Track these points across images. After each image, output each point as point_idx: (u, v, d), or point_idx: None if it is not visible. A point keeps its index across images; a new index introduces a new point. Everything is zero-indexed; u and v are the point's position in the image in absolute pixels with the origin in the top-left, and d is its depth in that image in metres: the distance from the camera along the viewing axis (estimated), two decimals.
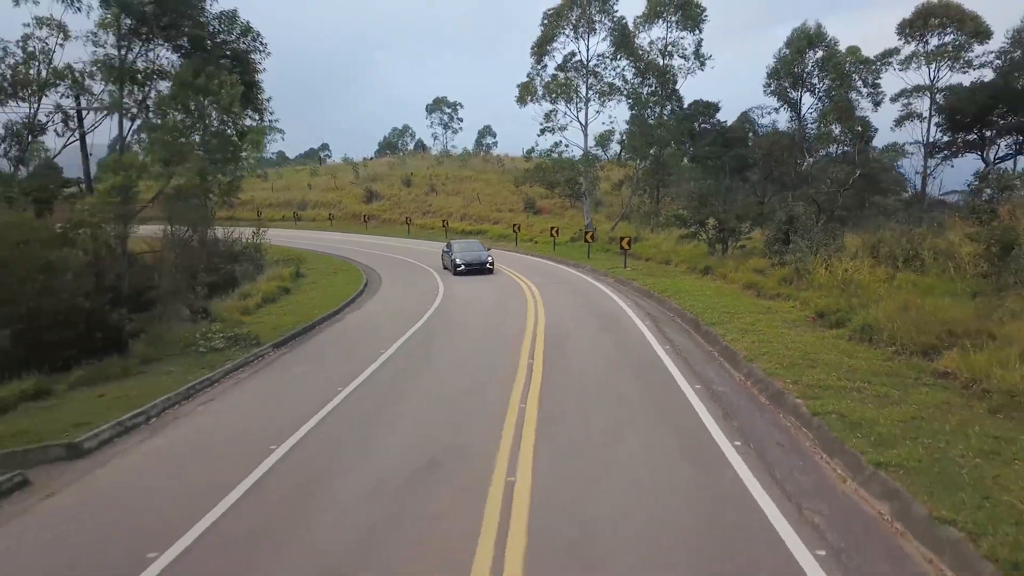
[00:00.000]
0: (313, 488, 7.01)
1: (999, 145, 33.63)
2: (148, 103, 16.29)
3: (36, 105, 30.32)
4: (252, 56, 19.36)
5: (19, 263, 11.66)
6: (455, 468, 7.38)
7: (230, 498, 6.79)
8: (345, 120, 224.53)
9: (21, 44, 29.19)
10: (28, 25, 28.54)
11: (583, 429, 8.60)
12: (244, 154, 16.13)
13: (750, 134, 57.42)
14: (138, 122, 16.84)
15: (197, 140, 15.50)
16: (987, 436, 7.76)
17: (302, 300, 20.60)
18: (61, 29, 29.43)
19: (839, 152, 44.72)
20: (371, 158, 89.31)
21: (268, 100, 19.79)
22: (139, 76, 15.54)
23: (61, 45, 29.82)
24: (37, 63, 29.97)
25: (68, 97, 30.92)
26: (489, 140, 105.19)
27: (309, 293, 21.91)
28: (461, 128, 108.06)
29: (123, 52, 15.58)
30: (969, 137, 33.40)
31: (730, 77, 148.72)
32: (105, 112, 16.68)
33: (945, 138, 34.23)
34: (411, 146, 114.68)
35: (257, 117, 19.06)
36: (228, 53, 17.82)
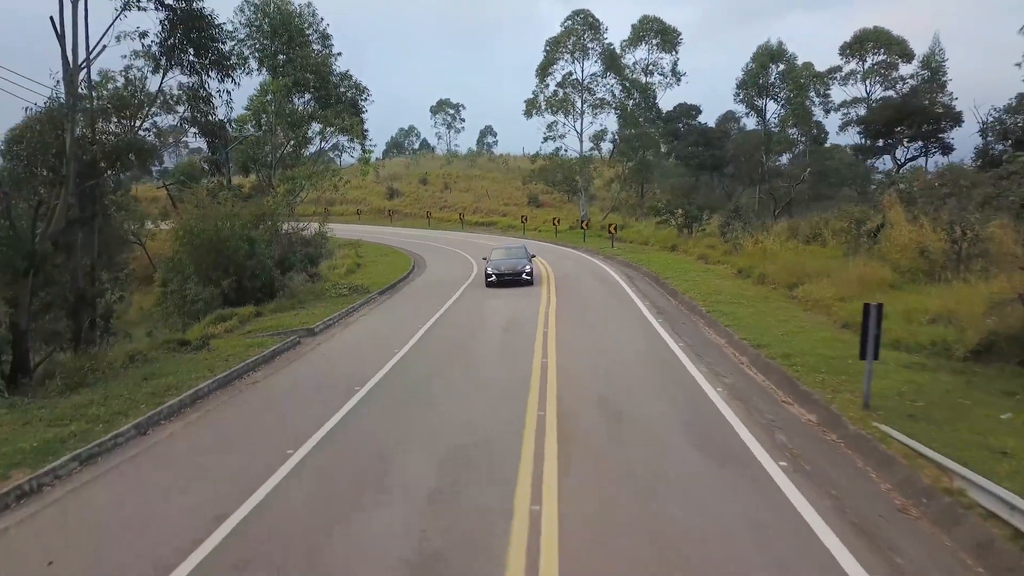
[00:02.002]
0: (455, 339, 14.44)
1: (908, 149, 41.09)
2: (300, 134, 23.74)
3: (134, 122, 37.55)
4: (360, 102, 26.82)
5: (233, 240, 19.00)
6: (518, 328, 14.85)
7: (414, 337, 14.24)
8: None
9: (123, 73, 36.44)
10: (125, 56, 35.76)
11: (581, 319, 16.09)
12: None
13: (734, 132, 64.51)
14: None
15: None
16: (789, 315, 15.26)
17: (373, 271, 27.99)
18: (155, 60, 36.66)
19: (798, 152, 52.06)
20: (380, 158, 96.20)
21: (367, 131, 27.10)
22: (298, 119, 22.89)
23: (154, 73, 37.10)
24: (134, 87, 37.20)
25: (159, 116, 38.22)
26: (490, 139, 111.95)
27: (375, 267, 29.30)
28: (463, 128, 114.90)
29: (276, 104, 22.95)
30: (887, 143, 40.77)
31: (729, 68, 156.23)
32: (242, 137, 23.64)
33: (867, 143, 41.64)
34: (416, 145, 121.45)
35: (360, 142, 26.48)
36: (344, 100, 25.23)
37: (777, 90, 51.11)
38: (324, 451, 8.04)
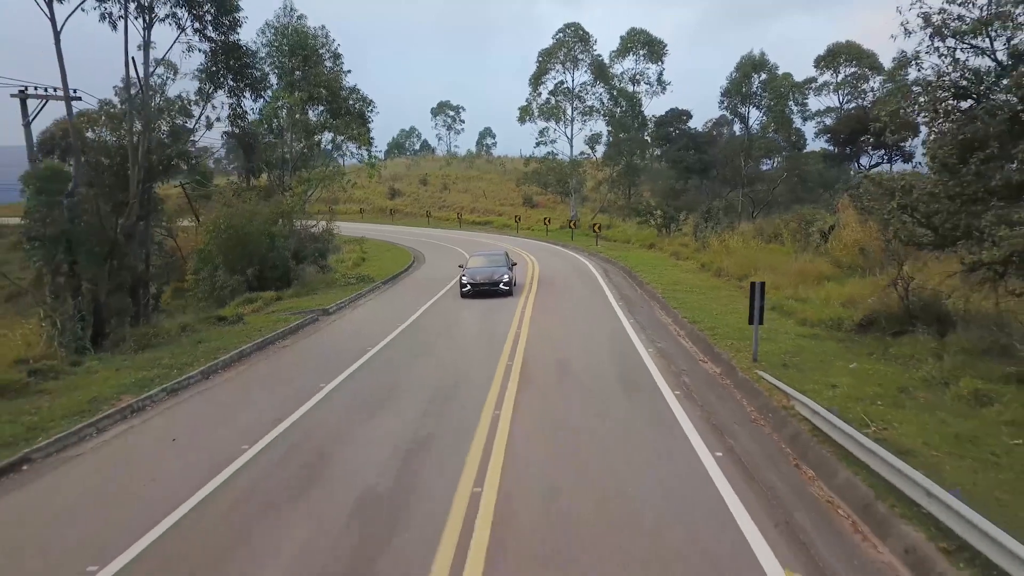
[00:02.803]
0: (447, 315, 17.28)
1: (872, 156, 44.00)
2: (314, 142, 26.67)
3: (153, 125, 40.38)
4: (367, 113, 29.81)
5: (256, 234, 21.83)
6: (500, 309, 17.70)
7: (414, 316, 17.08)
8: None
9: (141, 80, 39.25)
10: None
11: (556, 302, 18.94)
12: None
13: (726, 135, 67.18)
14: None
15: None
16: (730, 301, 18.09)
17: (377, 264, 30.80)
18: (173, 68, 39.54)
19: (780, 156, 54.77)
20: (382, 159, 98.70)
21: (373, 139, 30.02)
22: (312, 128, 25.73)
23: (172, 79, 39.95)
24: (155, 93, 40.05)
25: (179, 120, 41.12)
26: (489, 141, 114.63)
27: (379, 261, 32.12)
28: (463, 129, 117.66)
29: (294, 114, 25.87)
30: (852, 150, 43.66)
31: (728, 69, 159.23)
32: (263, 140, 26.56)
33: (836, 150, 44.57)
34: (417, 146, 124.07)
35: (367, 149, 29.51)
36: (352, 112, 28.20)
37: (759, 98, 53.86)
38: (348, 385, 10.90)
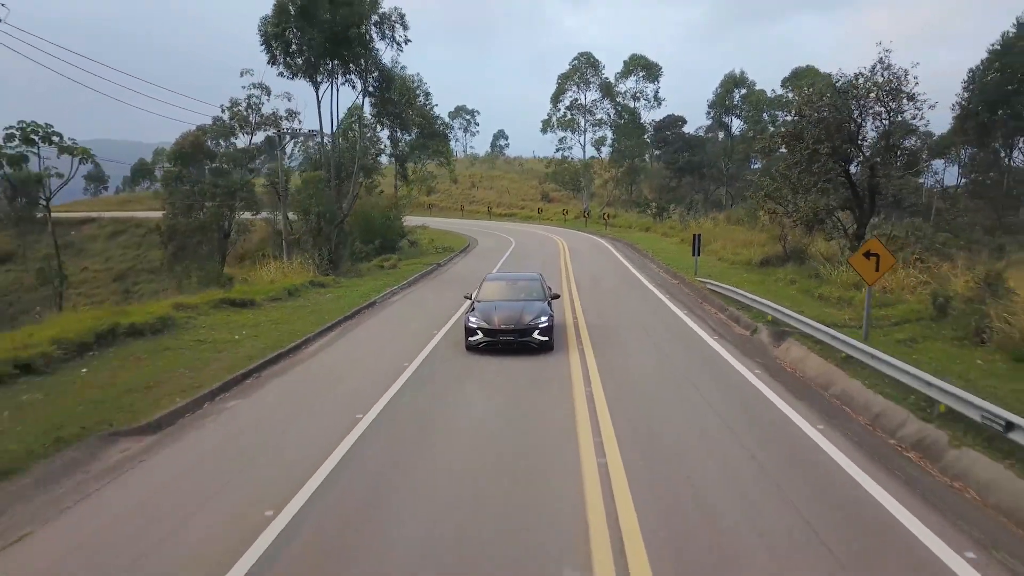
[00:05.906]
0: (519, 263, 28.09)
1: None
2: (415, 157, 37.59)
3: (251, 136, 51.17)
4: (448, 135, 40.49)
5: (379, 218, 32.55)
6: (549, 263, 28.50)
7: (498, 265, 27.88)
8: None
9: (245, 100, 49.98)
10: (245, 87, 49.30)
11: (586, 261, 29.74)
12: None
13: (720, 139, 77.70)
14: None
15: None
16: (688, 256, 28.93)
17: (446, 242, 41.54)
18: (266, 90, 50.30)
19: (758, 159, 65.28)
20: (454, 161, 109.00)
21: (453, 153, 40.51)
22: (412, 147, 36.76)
23: (267, 99, 50.68)
24: (252, 111, 50.85)
25: (270, 132, 51.88)
26: (502, 143, 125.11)
27: (445, 240, 42.82)
28: (478, 131, 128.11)
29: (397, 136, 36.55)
30: None
31: (731, 68, 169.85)
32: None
33: None
34: None
35: (448, 159, 40.01)
36: (439, 134, 38.98)
37: (740, 110, 64.57)
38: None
